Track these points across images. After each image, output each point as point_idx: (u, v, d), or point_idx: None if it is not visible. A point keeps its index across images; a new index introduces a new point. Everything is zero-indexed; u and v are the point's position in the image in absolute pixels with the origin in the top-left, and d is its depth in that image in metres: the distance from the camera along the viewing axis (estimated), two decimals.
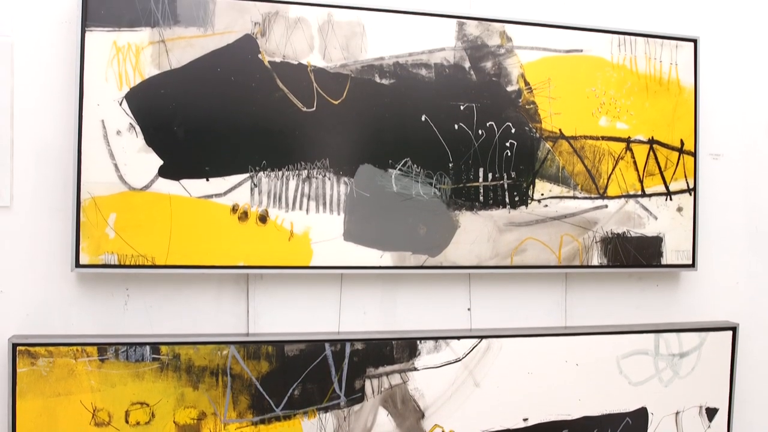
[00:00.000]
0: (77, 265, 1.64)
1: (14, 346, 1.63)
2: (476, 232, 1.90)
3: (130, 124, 1.68)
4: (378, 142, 1.83)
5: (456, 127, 1.88)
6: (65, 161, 1.67)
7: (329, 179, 1.80)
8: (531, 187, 1.94)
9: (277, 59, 1.77)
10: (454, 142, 1.87)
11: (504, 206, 1.92)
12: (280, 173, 1.77)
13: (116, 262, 1.67)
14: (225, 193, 1.74)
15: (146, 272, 1.69)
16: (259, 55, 1.76)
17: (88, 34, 1.66)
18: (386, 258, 1.84)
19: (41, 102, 1.67)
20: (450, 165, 1.88)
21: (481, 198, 1.91)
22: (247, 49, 1.75)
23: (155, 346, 1.70)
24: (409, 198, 1.85)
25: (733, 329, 2.04)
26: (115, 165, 1.67)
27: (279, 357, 1.77)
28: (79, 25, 1.63)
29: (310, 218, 1.79)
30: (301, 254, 1.79)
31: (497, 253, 1.92)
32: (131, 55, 1.69)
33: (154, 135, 1.69)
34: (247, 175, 1.74)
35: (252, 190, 1.75)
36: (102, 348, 1.67)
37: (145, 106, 1.69)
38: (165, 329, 1.76)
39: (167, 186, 1.70)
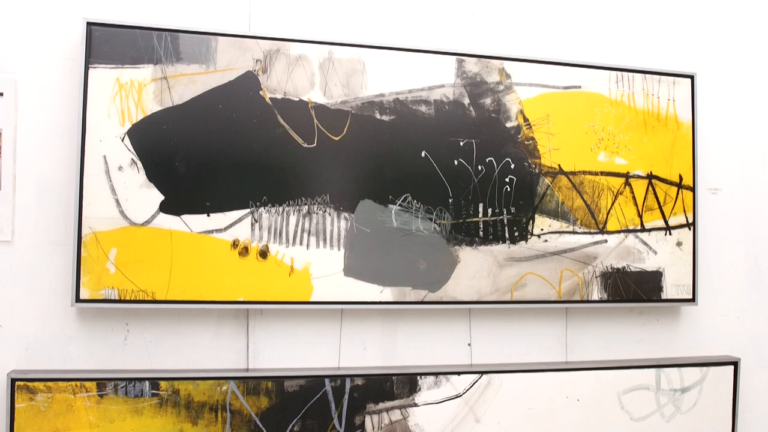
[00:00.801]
0: (77, 299, 1.64)
1: (13, 381, 1.62)
2: (476, 267, 1.90)
3: (132, 159, 1.69)
4: (378, 177, 1.83)
5: (456, 162, 1.89)
6: (67, 196, 1.68)
7: (329, 215, 1.80)
8: (531, 222, 1.94)
9: (278, 96, 1.78)
10: (453, 178, 1.88)
11: (504, 241, 1.92)
12: (281, 209, 1.77)
13: (116, 297, 1.67)
14: (225, 229, 1.74)
15: (146, 307, 1.69)
16: (261, 92, 1.77)
17: (91, 71, 1.67)
18: (386, 293, 1.84)
19: (44, 137, 1.68)
20: (450, 200, 1.88)
21: (481, 233, 1.91)
22: (249, 86, 1.77)
23: (154, 382, 1.70)
24: (409, 233, 1.86)
25: (735, 364, 2.03)
26: (117, 200, 1.68)
27: (279, 392, 1.77)
28: (83, 62, 1.65)
29: (311, 253, 1.79)
30: (301, 289, 1.79)
31: (497, 288, 1.92)
32: (134, 92, 1.71)
33: (156, 170, 1.70)
34: (247, 210, 1.75)
35: (253, 225, 1.76)
36: (101, 383, 1.66)
37: (146, 142, 1.70)
38: (165, 364, 1.75)
39: (168, 221, 1.71)
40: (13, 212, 1.67)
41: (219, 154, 1.73)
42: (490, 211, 1.91)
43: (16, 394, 1.62)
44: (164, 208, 1.71)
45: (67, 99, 1.69)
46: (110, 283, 1.67)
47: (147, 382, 1.69)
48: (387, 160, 1.84)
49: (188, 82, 1.73)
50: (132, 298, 1.68)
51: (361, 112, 1.83)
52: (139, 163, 1.69)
